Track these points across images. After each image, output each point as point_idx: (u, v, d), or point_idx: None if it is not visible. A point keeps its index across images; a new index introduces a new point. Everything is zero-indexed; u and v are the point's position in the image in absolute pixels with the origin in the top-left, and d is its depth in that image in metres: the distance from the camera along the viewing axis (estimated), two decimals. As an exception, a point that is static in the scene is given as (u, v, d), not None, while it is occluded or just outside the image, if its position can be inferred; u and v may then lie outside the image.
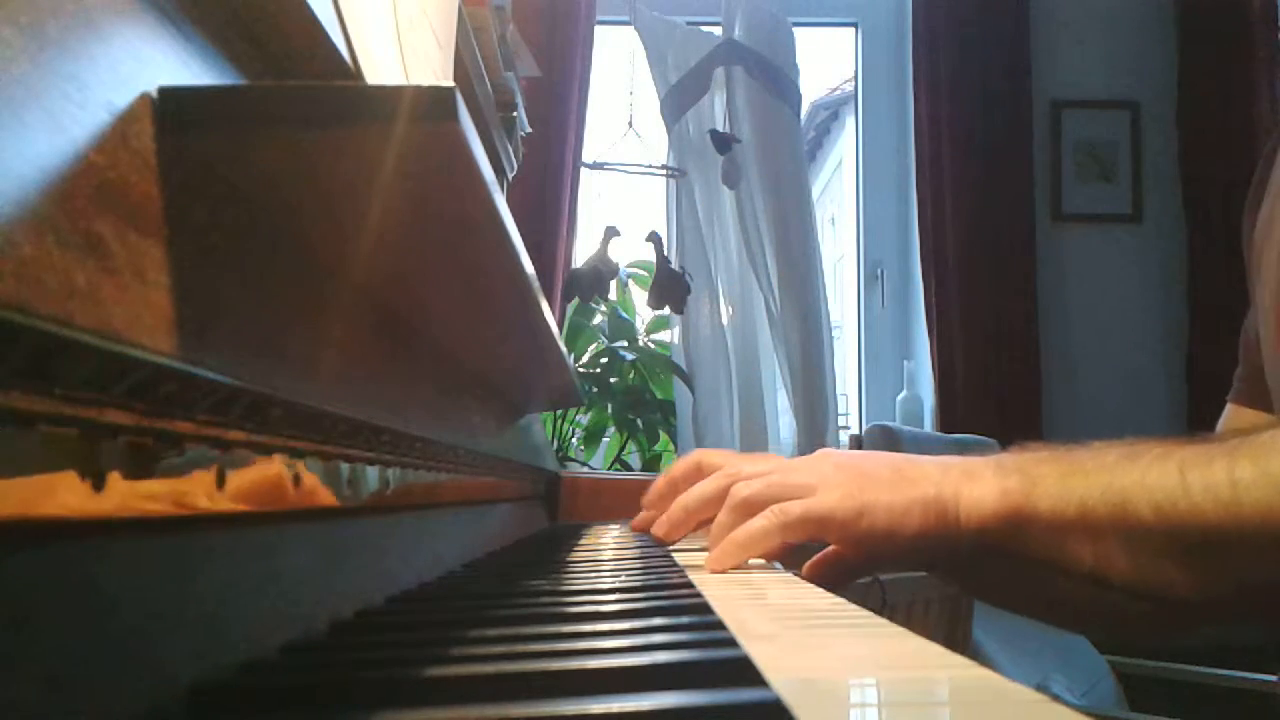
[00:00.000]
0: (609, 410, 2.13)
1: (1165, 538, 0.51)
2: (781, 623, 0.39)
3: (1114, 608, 0.71)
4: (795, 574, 0.60)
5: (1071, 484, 0.54)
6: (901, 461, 0.60)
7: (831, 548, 0.62)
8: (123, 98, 0.27)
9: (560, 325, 2.11)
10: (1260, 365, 0.74)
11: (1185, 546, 0.51)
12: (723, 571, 0.59)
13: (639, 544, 0.81)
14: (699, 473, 0.70)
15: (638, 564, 0.63)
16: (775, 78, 2.30)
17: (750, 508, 0.60)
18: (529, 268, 0.52)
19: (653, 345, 2.28)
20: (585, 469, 2.10)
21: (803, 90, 2.38)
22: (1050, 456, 0.57)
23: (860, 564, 0.62)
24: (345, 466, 0.43)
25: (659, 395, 2.21)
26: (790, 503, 0.58)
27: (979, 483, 0.57)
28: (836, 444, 2.24)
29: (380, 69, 0.49)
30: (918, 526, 0.57)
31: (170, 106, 0.29)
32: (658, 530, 0.69)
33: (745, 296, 2.30)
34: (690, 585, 0.48)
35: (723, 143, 2.15)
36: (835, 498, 0.58)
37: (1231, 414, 0.82)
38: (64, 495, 0.22)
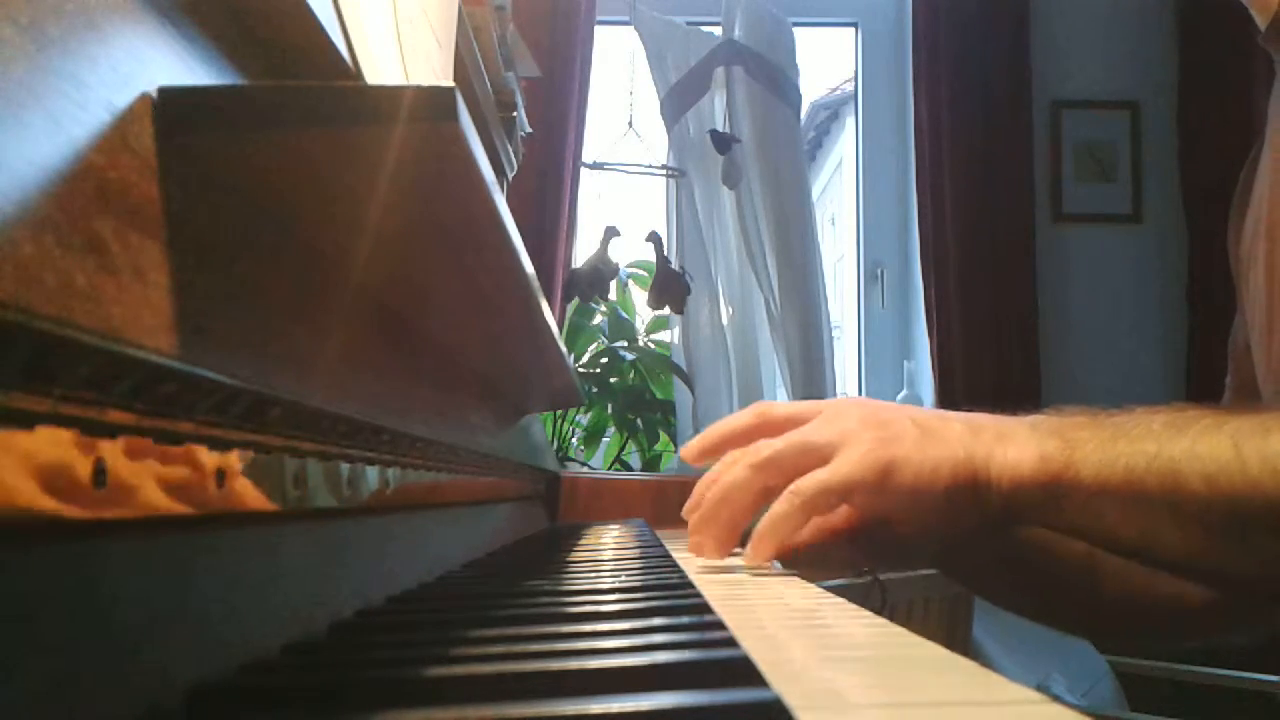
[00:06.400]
0: (609, 410, 2.13)
1: (1218, 511, 0.48)
2: (781, 625, 0.39)
3: (1140, 605, 0.68)
4: (797, 575, 0.60)
5: (1116, 450, 0.51)
6: (928, 417, 0.57)
7: (841, 511, 0.59)
8: (123, 98, 0.27)
9: (560, 325, 2.11)
10: (1254, 375, 0.72)
11: (1240, 520, 0.48)
12: (763, 562, 0.57)
13: (639, 544, 0.82)
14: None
15: (638, 564, 0.63)
16: (775, 78, 2.30)
17: (767, 468, 0.58)
18: (529, 268, 0.52)
19: (653, 345, 2.28)
20: (585, 469, 2.10)
21: (803, 90, 2.38)
22: (1090, 421, 0.54)
23: (876, 532, 0.58)
24: (345, 466, 0.43)
25: (659, 395, 2.21)
26: (806, 479, 0.56)
27: (1014, 445, 0.54)
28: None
29: (380, 69, 0.49)
30: (945, 488, 0.54)
31: (170, 106, 0.29)
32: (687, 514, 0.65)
33: (745, 296, 2.29)
34: (690, 585, 0.48)
35: (723, 143, 2.15)
36: (855, 459, 0.55)
37: None
38: (64, 495, 0.22)
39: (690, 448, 0.66)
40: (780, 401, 0.67)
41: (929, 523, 0.56)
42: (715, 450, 0.64)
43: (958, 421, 0.57)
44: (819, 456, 0.56)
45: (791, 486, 0.56)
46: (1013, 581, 0.71)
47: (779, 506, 0.56)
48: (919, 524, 0.57)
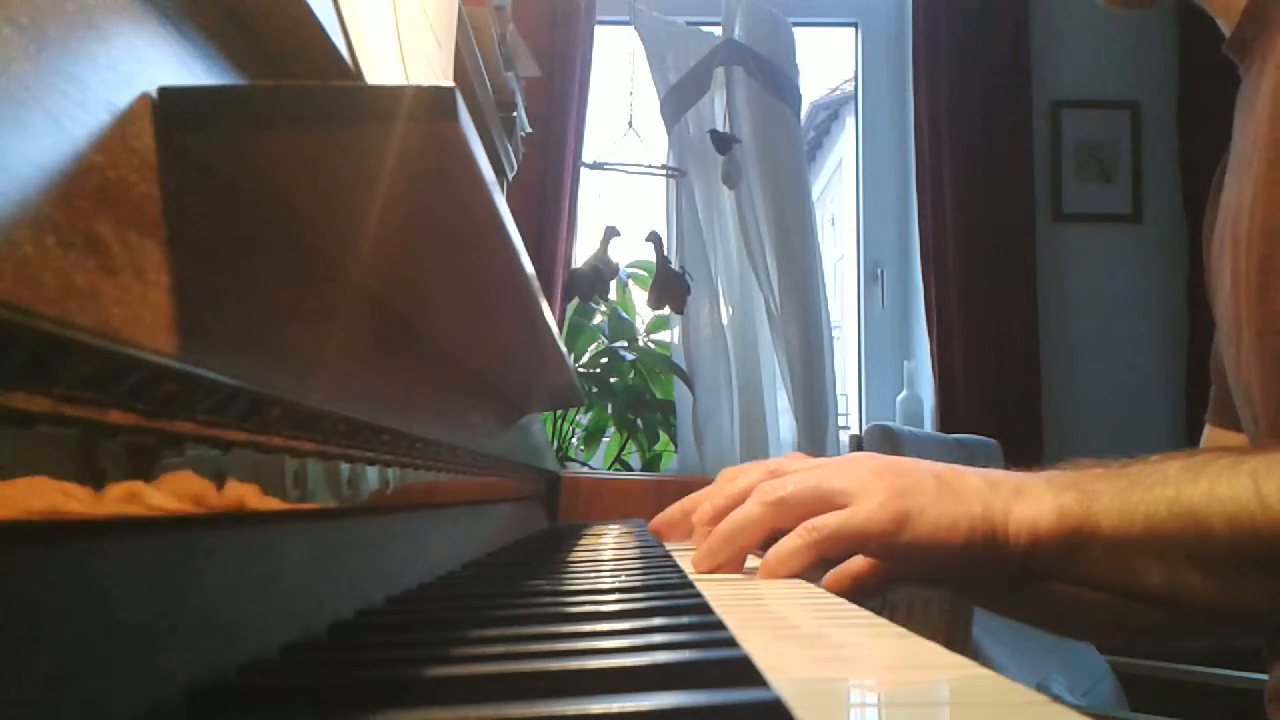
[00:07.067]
0: (609, 410, 2.13)
1: (1242, 552, 0.48)
2: (777, 620, 0.39)
3: (1169, 622, 0.68)
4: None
5: (1133, 499, 0.51)
6: (944, 471, 0.56)
7: (858, 559, 0.59)
8: (123, 98, 0.27)
9: (560, 325, 2.11)
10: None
11: (1266, 559, 0.47)
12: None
13: (639, 544, 0.81)
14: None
15: (638, 564, 0.63)
16: (775, 78, 2.30)
17: (779, 507, 0.57)
18: (529, 268, 0.52)
19: (653, 345, 2.28)
20: (585, 469, 2.10)
21: (803, 90, 2.38)
22: (1104, 472, 0.54)
23: (895, 577, 0.58)
24: (345, 466, 0.43)
25: (659, 395, 2.21)
26: (823, 518, 0.55)
27: (1031, 500, 0.53)
28: (836, 444, 2.24)
29: (380, 69, 0.49)
30: (963, 543, 0.53)
31: (170, 106, 0.29)
32: (657, 528, 0.66)
33: (745, 296, 2.29)
34: (690, 585, 0.48)
35: (723, 143, 2.15)
36: (873, 507, 0.54)
37: (1211, 436, 0.79)
38: (64, 495, 0.22)
39: (704, 513, 0.63)
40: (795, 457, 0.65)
41: (944, 576, 0.56)
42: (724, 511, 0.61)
43: (974, 476, 0.56)
44: (832, 503, 0.56)
45: (807, 523, 0.55)
46: (1014, 599, 0.71)
47: (791, 541, 0.55)
48: (934, 576, 0.56)
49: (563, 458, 2.06)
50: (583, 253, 2.25)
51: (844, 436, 2.34)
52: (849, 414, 2.62)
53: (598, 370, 2.13)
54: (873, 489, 0.55)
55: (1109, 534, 0.51)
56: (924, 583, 0.63)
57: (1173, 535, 0.49)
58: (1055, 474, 0.55)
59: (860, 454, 0.60)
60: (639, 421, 2.16)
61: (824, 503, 0.56)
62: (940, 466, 0.57)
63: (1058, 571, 0.54)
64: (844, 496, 0.55)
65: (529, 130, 1.40)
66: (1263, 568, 0.48)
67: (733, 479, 0.64)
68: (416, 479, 0.56)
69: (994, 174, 2.36)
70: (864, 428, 2.24)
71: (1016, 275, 2.36)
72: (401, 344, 0.55)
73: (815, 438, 2.16)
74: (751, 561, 0.65)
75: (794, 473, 0.59)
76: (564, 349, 0.86)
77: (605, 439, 2.18)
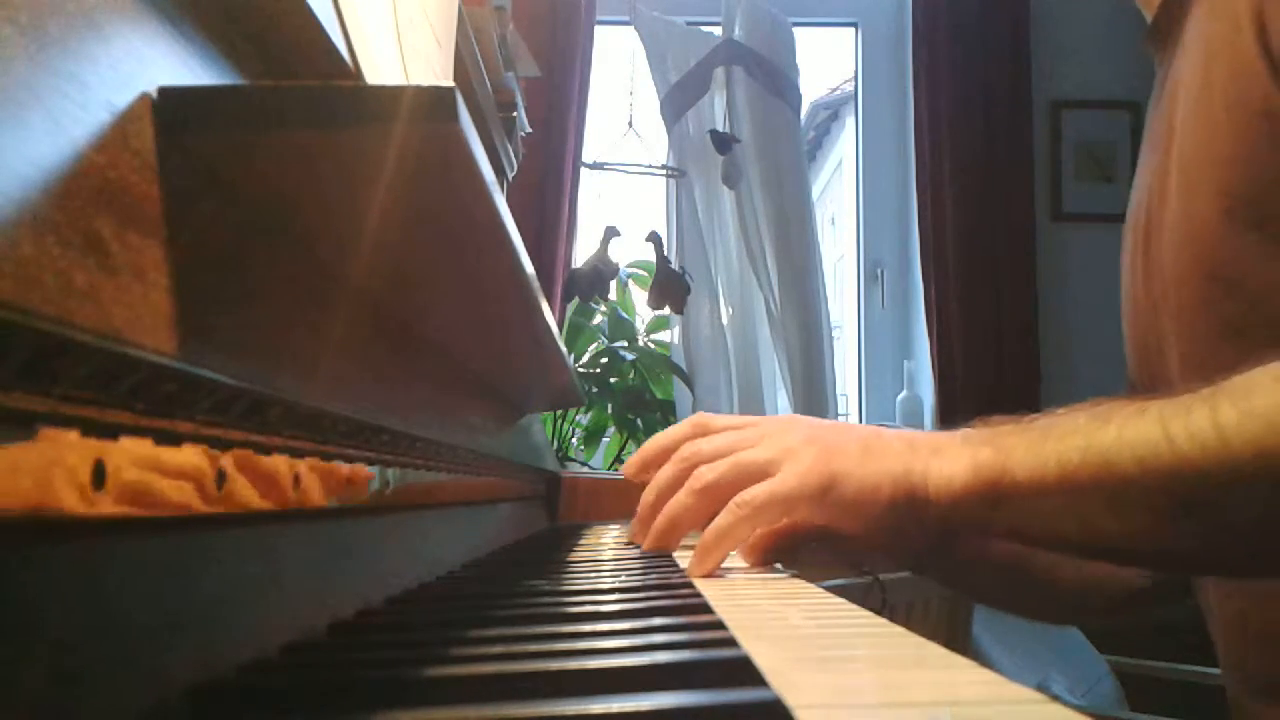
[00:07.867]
0: (609, 410, 2.13)
1: (1154, 493, 0.49)
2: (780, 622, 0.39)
3: (1097, 591, 0.71)
4: (794, 574, 0.60)
5: (1046, 450, 0.52)
6: (868, 434, 0.59)
7: (782, 524, 0.62)
8: (123, 98, 0.27)
9: (560, 325, 2.11)
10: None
11: (1176, 499, 0.49)
12: (706, 576, 0.57)
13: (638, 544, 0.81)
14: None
15: (637, 564, 0.63)
16: (775, 78, 2.30)
17: (710, 494, 0.58)
18: (529, 268, 0.52)
19: (653, 345, 2.28)
20: (585, 469, 2.10)
21: (803, 90, 2.38)
22: (1018, 427, 0.55)
23: (819, 536, 0.61)
24: (345, 467, 0.43)
25: (659, 395, 2.21)
26: (753, 491, 0.57)
27: (948, 458, 0.55)
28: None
29: (380, 69, 0.49)
30: (886, 502, 0.55)
31: (170, 106, 0.29)
32: (631, 535, 0.68)
33: (745, 296, 2.29)
34: (690, 585, 0.48)
35: (723, 143, 2.15)
36: (800, 473, 0.56)
37: None
38: (64, 495, 0.22)
39: (630, 463, 0.67)
40: (721, 415, 0.69)
41: (871, 535, 0.58)
42: (655, 463, 0.64)
43: (896, 439, 0.58)
44: (761, 476, 0.57)
45: (737, 498, 0.57)
46: (977, 579, 0.73)
47: (724, 519, 0.57)
48: (862, 536, 0.59)
49: (563, 458, 2.06)
50: (583, 253, 2.25)
51: (844, 436, 2.34)
52: (849, 414, 2.62)
53: (598, 370, 2.13)
54: (799, 455, 0.57)
55: (1025, 485, 0.52)
56: (849, 546, 0.64)
57: (1086, 482, 0.50)
58: (971, 432, 0.57)
59: (787, 417, 0.62)
60: (639, 421, 2.16)
61: (753, 479, 0.57)
62: (866, 430, 0.60)
63: (979, 526, 0.55)
64: (772, 466, 0.57)
65: (529, 130, 1.40)
66: (1173, 505, 0.49)
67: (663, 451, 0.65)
68: (416, 479, 0.56)
69: (994, 174, 2.36)
70: (864, 428, 2.24)
71: (1016, 275, 2.35)
72: (401, 344, 0.55)
73: (815, 438, 2.15)
74: (740, 560, 0.65)
75: (720, 448, 0.60)
76: (564, 349, 0.86)
77: (605, 439, 2.18)
